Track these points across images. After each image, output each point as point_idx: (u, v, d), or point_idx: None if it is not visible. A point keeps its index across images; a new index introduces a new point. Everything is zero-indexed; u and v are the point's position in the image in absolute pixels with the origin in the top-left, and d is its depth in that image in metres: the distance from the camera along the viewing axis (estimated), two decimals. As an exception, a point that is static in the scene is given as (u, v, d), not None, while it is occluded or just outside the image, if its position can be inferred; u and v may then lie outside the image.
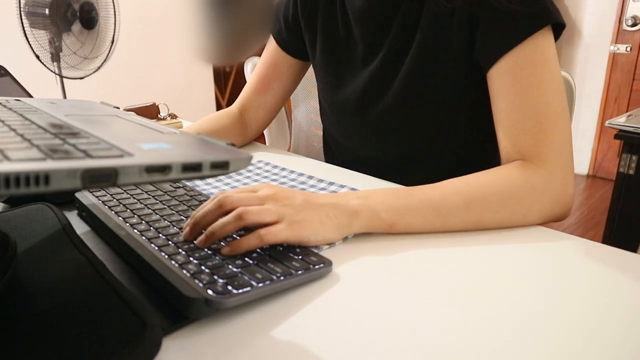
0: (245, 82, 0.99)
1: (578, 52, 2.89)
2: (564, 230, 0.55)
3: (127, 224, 0.50)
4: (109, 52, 1.62)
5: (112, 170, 0.26)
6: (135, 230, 0.48)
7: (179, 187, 0.62)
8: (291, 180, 0.70)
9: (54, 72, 1.54)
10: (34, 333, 0.32)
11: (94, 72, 1.64)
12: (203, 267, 0.41)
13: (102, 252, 0.48)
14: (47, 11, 1.46)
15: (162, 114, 1.10)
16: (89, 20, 1.52)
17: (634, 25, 2.66)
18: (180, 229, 0.49)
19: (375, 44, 0.74)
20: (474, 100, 0.70)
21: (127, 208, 0.54)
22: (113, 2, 1.59)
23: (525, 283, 0.43)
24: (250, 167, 0.76)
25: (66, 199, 0.60)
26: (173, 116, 1.09)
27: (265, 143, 1.17)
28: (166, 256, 0.43)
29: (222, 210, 0.47)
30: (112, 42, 1.61)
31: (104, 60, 1.63)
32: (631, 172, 1.30)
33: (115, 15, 1.60)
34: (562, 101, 0.59)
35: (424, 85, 0.70)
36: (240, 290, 0.38)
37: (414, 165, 0.77)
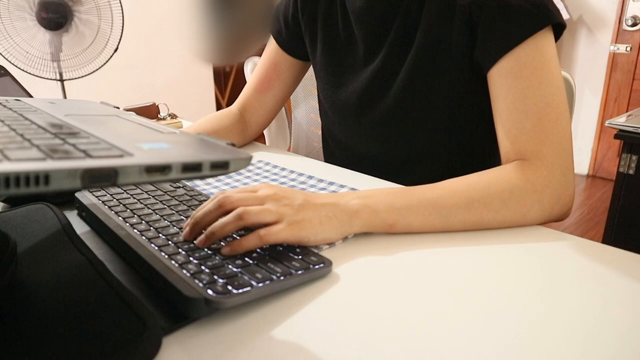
0: (245, 82, 0.99)
1: (578, 52, 2.89)
2: (564, 230, 0.55)
3: (127, 224, 0.50)
4: (111, 56, 1.62)
5: (112, 170, 0.26)
6: (135, 230, 0.48)
7: (179, 187, 0.62)
8: (291, 180, 0.70)
9: (55, 79, 1.54)
10: (33, 333, 0.32)
11: (89, 73, 1.64)
12: (203, 267, 0.41)
13: (102, 252, 0.48)
14: (30, 9, 1.45)
15: (162, 114, 1.10)
16: (48, 20, 1.48)
17: (634, 25, 2.66)
18: (180, 229, 0.49)
19: (375, 43, 0.74)
20: (475, 100, 0.70)
21: (127, 208, 0.54)
22: (120, 4, 1.58)
23: (525, 283, 0.43)
24: (250, 167, 0.76)
25: (66, 199, 0.60)
26: (173, 116, 1.09)
27: (265, 143, 1.17)
28: (166, 256, 0.43)
29: (222, 210, 0.47)
30: (116, 50, 1.62)
31: (104, 63, 1.63)
32: (631, 172, 1.30)
33: (122, 19, 1.60)
34: (562, 101, 0.59)
35: (424, 85, 0.70)
36: (240, 290, 0.38)
37: (414, 165, 0.77)
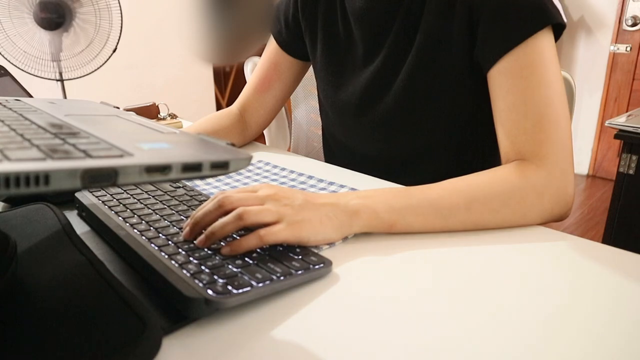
0: (245, 82, 0.99)
1: (578, 52, 2.89)
2: (564, 230, 0.55)
3: (127, 224, 0.50)
4: (110, 56, 1.62)
5: (112, 170, 0.26)
6: (135, 230, 0.48)
7: (179, 187, 0.62)
8: (291, 180, 0.70)
9: (55, 78, 1.54)
10: (33, 333, 0.32)
11: (89, 73, 1.64)
12: (203, 267, 0.41)
13: (102, 252, 0.48)
14: (28, 9, 1.45)
15: (162, 114, 1.10)
16: (47, 20, 1.48)
17: (634, 25, 2.66)
18: (180, 229, 0.49)
19: (375, 44, 0.74)
20: (475, 100, 0.70)
21: (127, 208, 0.54)
22: (119, 3, 1.58)
23: (525, 283, 0.43)
24: (250, 167, 0.76)
25: (66, 199, 0.60)
26: (173, 116, 1.09)
27: (265, 143, 1.17)
28: (166, 256, 0.43)
29: (222, 210, 0.47)
30: (115, 50, 1.62)
31: (104, 62, 1.63)
32: (631, 172, 1.30)
33: (121, 18, 1.60)
34: (562, 101, 0.59)
35: (424, 86, 0.70)
36: (240, 290, 0.38)
37: (414, 165, 0.77)
